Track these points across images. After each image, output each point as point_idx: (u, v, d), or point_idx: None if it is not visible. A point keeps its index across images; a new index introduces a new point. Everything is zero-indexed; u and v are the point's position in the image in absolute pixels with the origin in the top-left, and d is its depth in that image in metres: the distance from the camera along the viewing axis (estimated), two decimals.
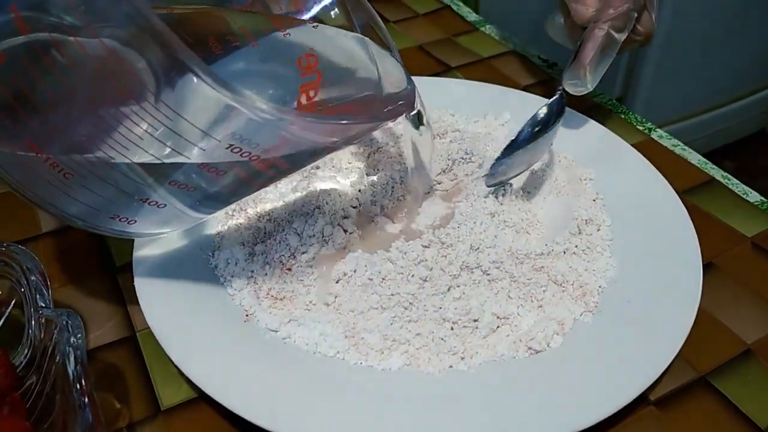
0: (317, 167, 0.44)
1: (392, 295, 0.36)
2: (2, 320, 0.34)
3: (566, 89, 0.44)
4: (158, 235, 0.37)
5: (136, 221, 0.33)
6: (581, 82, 0.43)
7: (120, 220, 0.32)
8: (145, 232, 0.35)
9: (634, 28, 0.44)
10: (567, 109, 0.49)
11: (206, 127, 0.27)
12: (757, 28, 1.18)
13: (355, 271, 0.37)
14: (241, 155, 0.28)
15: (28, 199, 0.32)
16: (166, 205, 0.31)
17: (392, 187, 0.43)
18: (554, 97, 0.43)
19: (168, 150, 0.28)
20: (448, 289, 0.36)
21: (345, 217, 0.41)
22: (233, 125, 0.27)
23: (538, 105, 0.49)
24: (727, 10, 1.11)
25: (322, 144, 0.31)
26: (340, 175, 0.44)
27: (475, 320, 0.35)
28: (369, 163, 0.46)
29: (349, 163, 0.45)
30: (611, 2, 0.41)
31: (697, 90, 1.20)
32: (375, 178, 0.44)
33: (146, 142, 0.27)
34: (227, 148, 0.28)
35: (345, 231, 0.40)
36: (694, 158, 0.49)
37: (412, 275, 0.36)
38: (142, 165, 0.29)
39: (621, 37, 0.43)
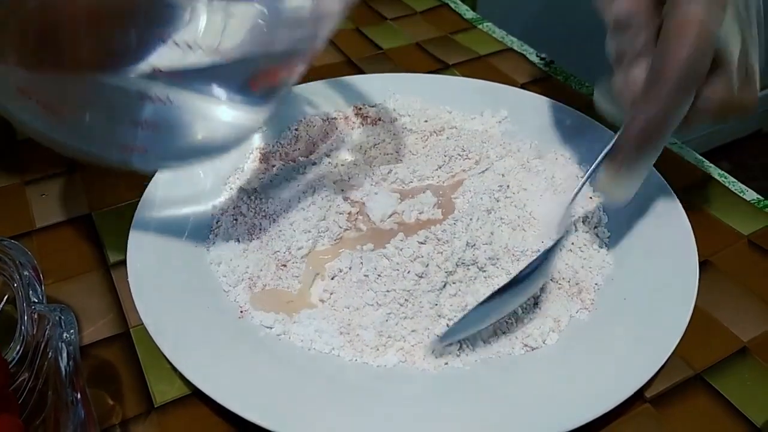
0: (314, 163, 0.44)
1: (387, 291, 0.35)
2: None
3: (607, 199, 0.36)
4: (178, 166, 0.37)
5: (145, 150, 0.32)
6: (612, 191, 0.34)
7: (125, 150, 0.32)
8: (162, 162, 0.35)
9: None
10: (565, 107, 0.49)
11: None
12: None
13: (350, 268, 0.37)
14: None
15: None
16: (172, 102, 0.31)
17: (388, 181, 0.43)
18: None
19: None
20: (444, 286, 0.36)
21: (339, 213, 0.41)
22: None
23: (536, 103, 0.50)
24: None
25: None
26: (336, 170, 0.44)
27: None
28: (366, 159, 0.45)
29: (346, 159, 0.45)
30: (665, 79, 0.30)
31: None
32: (371, 172, 0.44)
33: None
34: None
35: (340, 227, 0.40)
36: (691, 156, 0.49)
37: (408, 272, 0.36)
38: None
39: (674, 122, 0.32)
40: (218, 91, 0.33)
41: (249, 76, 0.34)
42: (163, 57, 0.30)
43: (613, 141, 0.34)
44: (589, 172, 0.36)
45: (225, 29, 0.30)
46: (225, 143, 0.38)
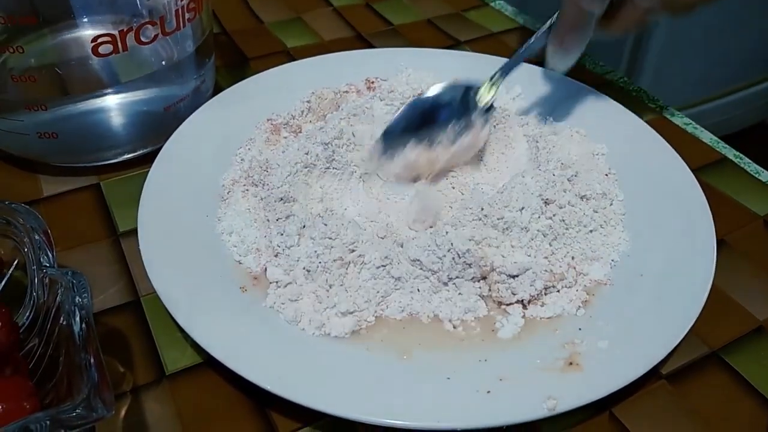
0: (325, 134, 0.43)
1: (399, 279, 0.35)
2: (4, 281, 0.33)
3: (547, 68, 0.44)
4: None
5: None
6: (552, 62, 0.43)
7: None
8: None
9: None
10: (579, 84, 0.49)
11: None
12: (761, 18, 1.17)
13: (365, 255, 0.36)
14: None
15: None
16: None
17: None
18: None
19: None
20: (463, 254, 0.35)
21: (352, 181, 0.40)
22: None
23: (549, 79, 0.49)
24: (730, 1, 1.10)
25: None
26: (348, 142, 0.43)
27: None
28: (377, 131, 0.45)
29: (357, 130, 0.44)
30: None
31: (699, 80, 1.20)
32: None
33: None
34: None
35: (358, 202, 0.40)
36: (706, 137, 0.49)
37: (423, 260, 0.35)
38: None
39: (595, 10, 0.40)
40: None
41: None
42: None
43: (551, 21, 0.42)
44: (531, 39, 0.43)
45: None
46: (147, 116, 0.43)
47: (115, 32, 0.38)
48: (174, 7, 0.41)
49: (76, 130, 0.42)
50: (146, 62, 0.43)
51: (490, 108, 0.43)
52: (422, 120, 0.42)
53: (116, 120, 0.43)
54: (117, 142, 0.43)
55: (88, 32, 0.39)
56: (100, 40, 0.38)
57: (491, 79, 0.43)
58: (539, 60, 0.55)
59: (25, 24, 0.38)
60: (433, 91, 0.43)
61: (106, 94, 0.41)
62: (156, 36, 0.40)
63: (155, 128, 0.44)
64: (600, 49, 0.48)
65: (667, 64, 1.09)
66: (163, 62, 0.43)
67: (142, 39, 0.40)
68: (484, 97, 0.43)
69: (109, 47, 0.38)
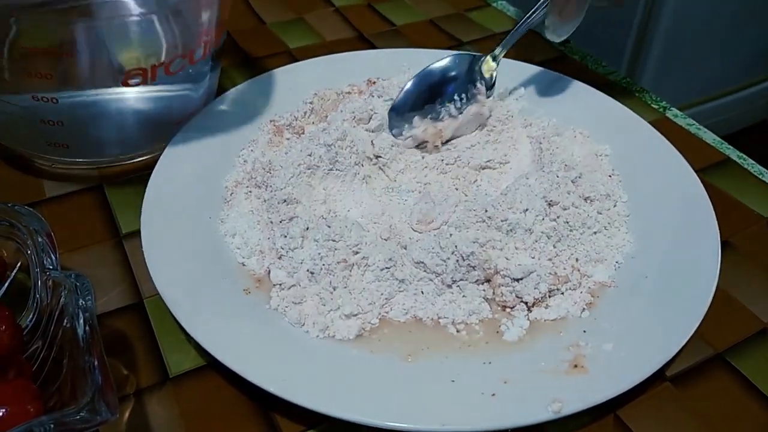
0: (327, 135, 0.43)
1: (403, 281, 0.35)
2: (7, 283, 0.33)
3: (547, 37, 0.45)
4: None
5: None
6: (551, 30, 0.44)
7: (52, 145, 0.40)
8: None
9: None
10: (582, 84, 0.49)
11: None
12: (762, 18, 1.17)
13: (369, 257, 0.36)
14: None
15: None
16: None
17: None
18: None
19: None
20: (470, 254, 0.35)
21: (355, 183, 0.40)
22: None
23: (552, 80, 0.49)
24: (732, 1, 1.10)
25: None
26: (351, 143, 0.43)
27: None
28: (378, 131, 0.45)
29: (361, 131, 0.44)
30: None
31: (700, 80, 1.20)
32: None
33: None
34: None
35: (361, 203, 0.40)
36: (709, 137, 0.49)
37: (427, 262, 0.35)
38: None
39: None
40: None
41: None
42: None
43: None
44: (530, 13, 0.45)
45: None
46: (155, 130, 0.43)
47: (147, 66, 0.39)
48: (204, 40, 0.41)
49: (83, 120, 0.41)
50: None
51: (493, 81, 0.45)
52: (429, 92, 0.44)
53: (124, 117, 0.43)
54: (122, 139, 0.43)
55: (118, 65, 0.39)
56: (132, 74, 0.39)
57: (494, 51, 0.45)
58: (541, 60, 0.56)
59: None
60: (438, 63, 0.45)
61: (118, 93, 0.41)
62: (184, 67, 0.41)
63: (162, 130, 0.43)
64: (601, 49, 0.48)
65: (668, 64, 1.09)
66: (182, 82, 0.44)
67: (171, 71, 0.40)
68: (488, 68, 0.45)
69: (138, 79, 0.39)
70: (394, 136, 0.43)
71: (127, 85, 0.39)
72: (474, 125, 0.44)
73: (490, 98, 0.45)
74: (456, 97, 0.44)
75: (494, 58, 0.45)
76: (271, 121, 0.45)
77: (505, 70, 0.50)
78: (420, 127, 0.43)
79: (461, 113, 0.44)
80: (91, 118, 0.41)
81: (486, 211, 0.36)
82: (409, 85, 0.44)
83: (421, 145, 0.43)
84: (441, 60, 0.45)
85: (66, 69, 0.38)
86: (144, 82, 0.39)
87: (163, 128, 0.43)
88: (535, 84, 0.49)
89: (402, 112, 0.43)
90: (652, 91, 0.53)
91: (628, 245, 0.38)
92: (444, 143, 0.44)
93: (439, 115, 0.44)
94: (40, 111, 0.39)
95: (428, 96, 0.44)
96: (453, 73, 0.45)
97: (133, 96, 0.41)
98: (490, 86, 0.45)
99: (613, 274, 0.36)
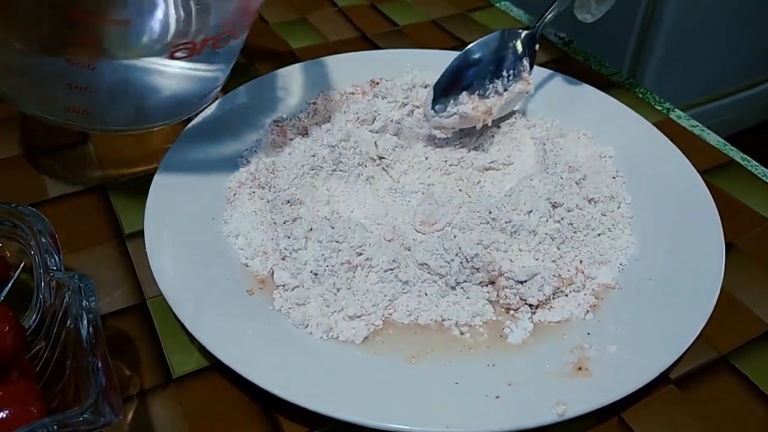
0: (331, 136, 0.43)
1: (407, 282, 0.35)
2: (10, 284, 0.33)
3: (576, 15, 0.44)
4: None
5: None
6: (586, 9, 0.43)
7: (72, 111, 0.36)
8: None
9: None
10: (585, 85, 0.49)
11: None
12: (765, 18, 1.17)
13: (372, 258, 0.36)
14: None
15: None
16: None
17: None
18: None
19: None
20: (475, 255, 0.35)
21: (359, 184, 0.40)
22: None
23: (555, 81, 0.49)
24: (734, 1, 1.10)
25: None
26: (356, 144, 0.43)
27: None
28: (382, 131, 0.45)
29: (365, 131, 0.44)
30: None
31: (702, 80, 1.19)
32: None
33: None
34: None
35: (364, 204, 0.39)
36: (713, 139, 0.49)
37: (431, 263, 0.35)
38: None
39: None
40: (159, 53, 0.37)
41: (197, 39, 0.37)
42: None
43: None
44: None
45: None
46: (178, 105, 0.41)
47: (198, 41, 0.38)
48: (249, 18, 0.40)
49: (114, 88, 0.39)
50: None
51: (533, 56, 0.45)
52: (477, 67, 0.43)
53: (156, 89, 0.41)
54: (143, 110, 0.42)
55: (168, 39, 0.37)
56: (180, 46, 0.37)
57: (535, 27, 0.45)
58: (544, 61, 0.55)
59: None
60: (485, 38, 0.43)
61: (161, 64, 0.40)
62: (228, 43, 0.40)
63: (181, 108, 0.43)
64: (603, 49, 0.48)
65: (670, 64, 1.08)
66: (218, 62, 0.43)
67: (217, 46, 0.39)
68: (528, 44, 0.44)
69: (185, 53, 0.38)
70: (436, 112, 0.42)
71: (172, 57, 0.37)
72: (516, 103, 0.44)
73: (531, 73, 0.44)
74: (504, 74, 0.43)
75: (535, 35, 0.45)
76: (274, 121, 0.45)
77: None
78: (468, 103, 0.42)
79: (506, 90, 0.43)
80: (122, 86, 0.39)
81: (490, 212, 0.36)
82: (456, 60, 0.43)
83: (462, 123, 0.42)
84: (488, 36, 0.44)
85: (115, 36, 0.36)
86: (188, 57, 0.38)
87: (183, 106, 0.42)
88: (539, 85, 0.49)
89: (448, 87, 0.42)
90: (654, 91, 0.53)
91: (632, 247, 0.38)
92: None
93: (486, 91, 0.43)
94: (71, 75, 0.37)
95: (476, 72, 0.43)
96: (500, 49, 0.44)
97: (173, 69, 0.39)
98: (532, 64, 0.44)
99: (617, 276, 0.36)
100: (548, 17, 0.45)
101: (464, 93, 0.42)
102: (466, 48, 0.43)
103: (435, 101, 0.42)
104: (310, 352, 0.32)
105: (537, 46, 0.45)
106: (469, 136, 0.44)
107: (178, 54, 0.37)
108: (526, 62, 0.44)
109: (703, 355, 0.34)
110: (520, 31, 0.45)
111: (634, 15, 1.03)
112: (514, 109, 0.45)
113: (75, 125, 0.41)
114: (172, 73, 0.40)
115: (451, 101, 0.42)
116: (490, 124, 0.42)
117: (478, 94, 0.43)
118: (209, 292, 0.34)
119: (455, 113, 0.42)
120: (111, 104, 0.40)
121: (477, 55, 0.43)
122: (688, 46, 1.09)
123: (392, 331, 0.34)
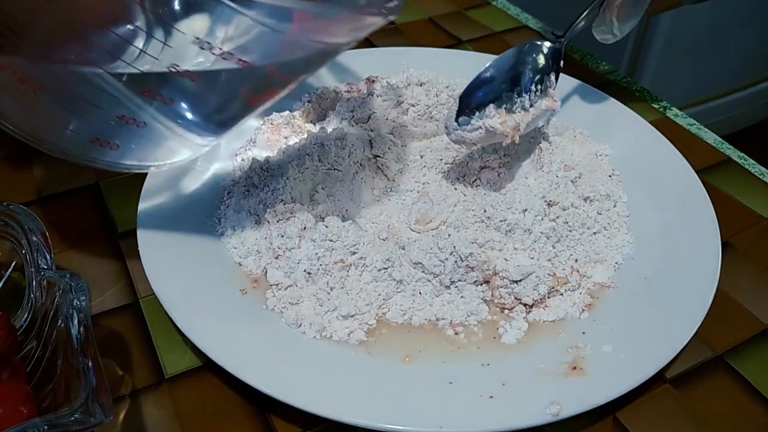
0: (326, 134, 0.43)
1: (401, 281, 0.35)
2: (2, 283, 0.33)
3: (595, 37, 0.42)
4: (156, 166, 0.35)
5: (119, 146, 0.31)
6: (608, 28, 0.42)
7: (102, 144, 0.31)
8: (139, 163, 0.33)
9: None
10: (582, 84, 0.48)
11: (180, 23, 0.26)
12: (762, 17, 1.17)
13: (366, 257, 0.36)
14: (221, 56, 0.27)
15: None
16: (145, 123, 0.30)
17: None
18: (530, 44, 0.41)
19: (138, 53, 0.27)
20: (468, 255, 0.35)
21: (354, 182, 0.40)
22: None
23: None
24: (732, 1, 1.10)
25: (311, 46, 0.30)
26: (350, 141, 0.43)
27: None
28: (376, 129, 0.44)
29: (361, 129, 0.44)
30: None
31: (700, 79, 1.19)
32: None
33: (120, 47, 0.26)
34: (199, 45, 0.27)
35: (358, 204, 0.39)
36: (710, 137, 0.48)
37: (426, 262, 0.35)
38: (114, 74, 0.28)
39: None
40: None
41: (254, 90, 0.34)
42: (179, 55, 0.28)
43: None
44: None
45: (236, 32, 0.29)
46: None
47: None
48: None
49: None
50: None
51: (558, 72, 0.42)
52: (507, 80, 0.40)
53: None
54: None
55: None
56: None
57: (559, 42, 0.42)
58: None
59: None
60: (516, 49, 0.40)
61: None
62: None
63: None
64: (601, 48, 0.48)
65: (668, 64, 1.08)
66: None
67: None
68: (553, 59, 0.42)
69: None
70: (459, 124, 0.38)
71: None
72: (540, 120, 0.41)
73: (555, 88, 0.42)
74: (532, 88, 0.40)
75: (560, 50, 0.42)
76: (269, 119, 0.45)
77: None
78: (496, 117, 0.38)
79: (532, 106, 0.40)
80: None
81: (485, 211, 0.36)
82: (487, 72, 0.39)
83: (489, 137, 0.39)
84: (519, 46, 0.40)
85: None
86: None
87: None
88: None
89: (475, 99, 0.39)
90: (652, 90, 0.53)
91: (627, 246, 0.38)
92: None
93: (514, 106, 0.39)
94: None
95: (505, 84, 0.39)
96: (527, 62, 0.40)
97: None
98: (556, 79, 0.42)
99: (613, 275, 0.36)
100: (577, 28, 0.43)
101: (491, 105, 0.38)
102: (495, 58, 0.40)
103: (460, 110, 0.38)
104: (303, 352, 0.32)
105: (562, 63, 0.42)
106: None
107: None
108: (553, 78, 0.41)
109: (698, 354, 0.34)
110: (545, 43, 0.42)
111: None
112: (538, 125, 0.42)
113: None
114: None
115: (476, 114, 0.38)
116: (518, 141, 0.39)
117: (505, 108, 0.39)
118: (202, 291, 0.34)
119: (480, 127, 0.38)
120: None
121: (506, 66, 0.40)
122: (686, 45, 1.08)
123: (386, 330, 0.34)
